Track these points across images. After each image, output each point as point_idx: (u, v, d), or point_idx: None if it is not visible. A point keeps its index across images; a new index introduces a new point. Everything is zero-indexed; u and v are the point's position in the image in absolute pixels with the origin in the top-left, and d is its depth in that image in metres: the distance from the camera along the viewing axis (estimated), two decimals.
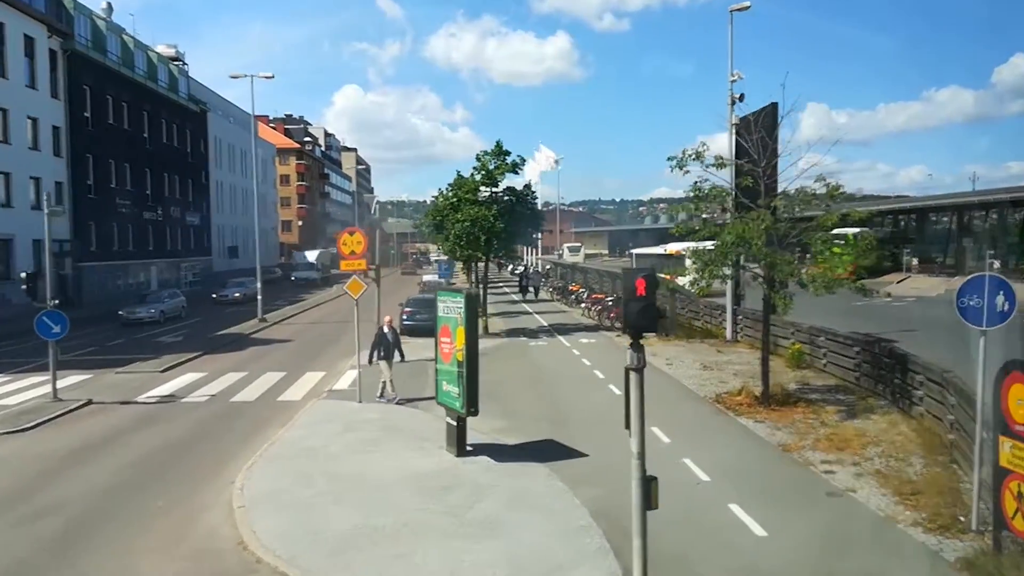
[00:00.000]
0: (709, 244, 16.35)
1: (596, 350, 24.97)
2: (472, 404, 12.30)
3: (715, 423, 15.14)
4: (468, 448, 12.91)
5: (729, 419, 15.32)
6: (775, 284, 15.74)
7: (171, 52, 63.67)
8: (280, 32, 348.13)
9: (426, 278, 43.87)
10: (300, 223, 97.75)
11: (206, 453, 13.75)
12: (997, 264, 38.93)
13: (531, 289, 45.87)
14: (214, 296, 47.75)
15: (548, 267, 69.85)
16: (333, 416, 15.93)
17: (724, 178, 16.88)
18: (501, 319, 35.40)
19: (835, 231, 53.69)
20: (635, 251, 40.70)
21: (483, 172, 27.84)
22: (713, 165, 16.47)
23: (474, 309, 12.38)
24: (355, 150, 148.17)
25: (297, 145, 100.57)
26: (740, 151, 23.22)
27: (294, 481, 11.53)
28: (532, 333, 29.59)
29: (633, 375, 7.30)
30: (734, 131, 25.77)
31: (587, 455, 13.02)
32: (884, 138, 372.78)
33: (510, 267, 78.55)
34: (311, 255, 72.66)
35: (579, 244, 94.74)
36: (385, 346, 17.23)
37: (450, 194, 28.23)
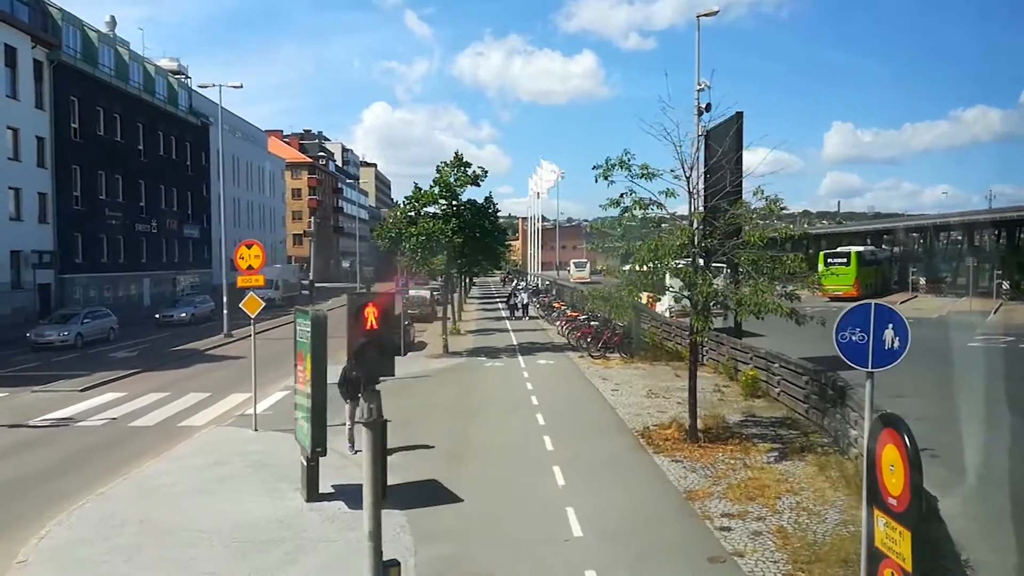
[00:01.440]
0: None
1: (546, 373, 23.43)
2: (319, 443, 10.77)
3: (626, 462, 13.44)
4: (325, 491, 11.43)
5: (645, 457, 13.61)
6: (698, 306, 14.04)
7: (173, 65, 63.39)
8: (311, 51, 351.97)
9: (412, 292, 42.35)
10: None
11: (46, 490, 12.37)
12: (1006, 285, 36.74)
13: (519, 307, 44.04)
14: (157, 317, 42.17)
15: (547, 284, 68.08)
16: (214, 447, 14.54)
17: (650, 190, 15.17)
18: (474, 336, 34.02)
19: (839, 250, 51.47)
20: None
21: (442, 184, 26.43)
22: (641, 176, 14.82)
23: (322, 335, 10.88)
24: (374, 165, 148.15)
25: (310, 159, 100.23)
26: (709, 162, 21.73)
27: (101, 530, 10.10)
28: (495, 353, 28.05)
29: (368, 432, 5.74)
30: (702, 142, 24.34)
31: (462, 500, 11.45)
32: (910, 157, 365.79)
33: (514, 283, 77.03)
34: (271, 271, 59.76)
35: (586, 260, 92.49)
36: (351, 384, 13.05)
37: (407, 207, 26.86)
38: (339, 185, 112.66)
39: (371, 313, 5.52)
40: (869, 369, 7.42)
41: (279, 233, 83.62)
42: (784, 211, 15.62)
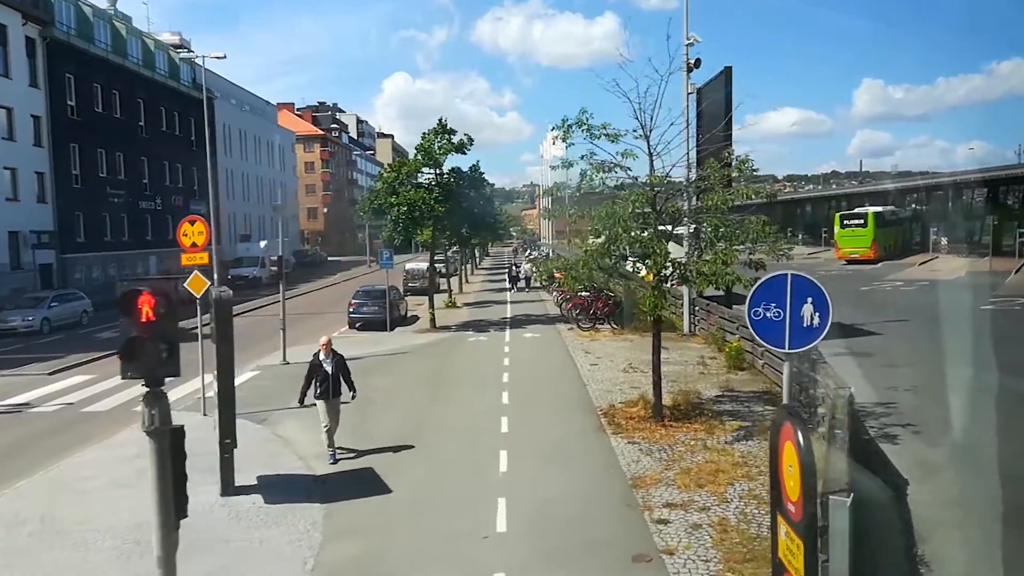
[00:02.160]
0: None
1: (528, 347, 22.62)
2: (227, 434, 10.03)
3: (579, 445, 12.58)
4: (246, 484, 10.71)
5: (601, 440, 12.73)
6: (660, 277, 13.05)
7: (175, 39, 62.62)
8: (329, 23, 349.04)
9: (409, 266, 41.43)
10: (325, 210, 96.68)
11: None
12: None
13: (522, 279, 42.91)
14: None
15: (556, 254, 66.74)
16: None
17: (610, 150, 14.08)
18: (470, 309, 33.24)
19: (856, 211, 49.57)
20: None
21: (424, 152, 25.44)
22: (605, 136, 13.74)
23: (226, 317, 10.09)
24: (391, 136, 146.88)
25: (322, 132, 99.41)
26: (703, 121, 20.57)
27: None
28: (484, 327, 27.26)
29: (152, 443, 4.91)
30: (693, 100, 23.07)
31: (391, 492, 10.67)
32: (942, 113, 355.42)
33: (527, 253, 75.89)
34: (256, 248, 54.14)
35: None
36: (322, 379, 12.12)
37: (389, 176, 25.94)
38: (353, 157, 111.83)
39: (146, 303, 4.65)
40: (785, 350, 6.42)
41: (291, 207, 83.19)
42: (756, 173, 14.44)
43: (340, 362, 12.48)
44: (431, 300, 28.10)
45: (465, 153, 25.86)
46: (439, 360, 20.73)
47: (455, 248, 41.89)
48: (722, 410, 14.04)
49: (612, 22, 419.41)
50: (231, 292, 11.27)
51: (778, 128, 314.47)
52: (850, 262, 49.31)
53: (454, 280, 42.52)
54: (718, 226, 12.78)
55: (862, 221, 49.40)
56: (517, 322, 28.02)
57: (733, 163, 13.50)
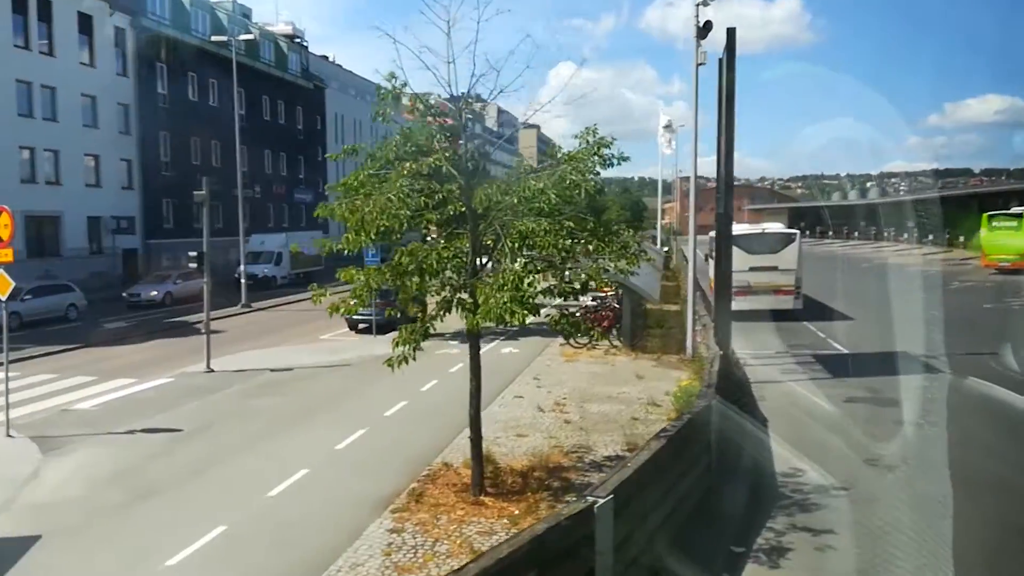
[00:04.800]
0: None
1: (485, 364, 19.05)
2: None
3: (324, 534, 9.21)
4: None
5: (362, 520, 9.34)
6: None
7: (288, 30, 63.25)
8: (498, 14, 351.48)
9: None
10: None
11: None
12: None
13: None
14: (125, 295, 34.10)
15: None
16: None
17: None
18: None
19: (1011, 211, 41.26)
20: (735, 228, 31.84)
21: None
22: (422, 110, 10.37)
23: None
24: (537, 127, 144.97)
25: (451, 121, 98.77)
26: None
27: None
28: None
29: None
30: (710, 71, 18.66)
31: None
32: None
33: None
34: (273, 241, 46.08)
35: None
36: None
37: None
38: (487, 147, 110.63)
39: None
40: None
41: None
42: (625, 157, 10.32)
43: None
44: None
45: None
46: (362, 379, 17.74)
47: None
48: (579, 483, 10.20)
49: (794, 3, 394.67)
50: None
51: (980, 117, 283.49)
52: (999, 271, 41.37)
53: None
54: (527, 233, 8.98)
55: (1015, 224, 41.24)
56: (515, 332, 24.51)
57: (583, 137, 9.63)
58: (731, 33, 16.87)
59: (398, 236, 9.65)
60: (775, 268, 25.90)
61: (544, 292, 9.50)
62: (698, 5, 18.18)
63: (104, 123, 41.26)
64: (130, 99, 43.09)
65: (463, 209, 9.60)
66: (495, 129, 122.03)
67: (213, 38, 43.01)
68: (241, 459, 11.94)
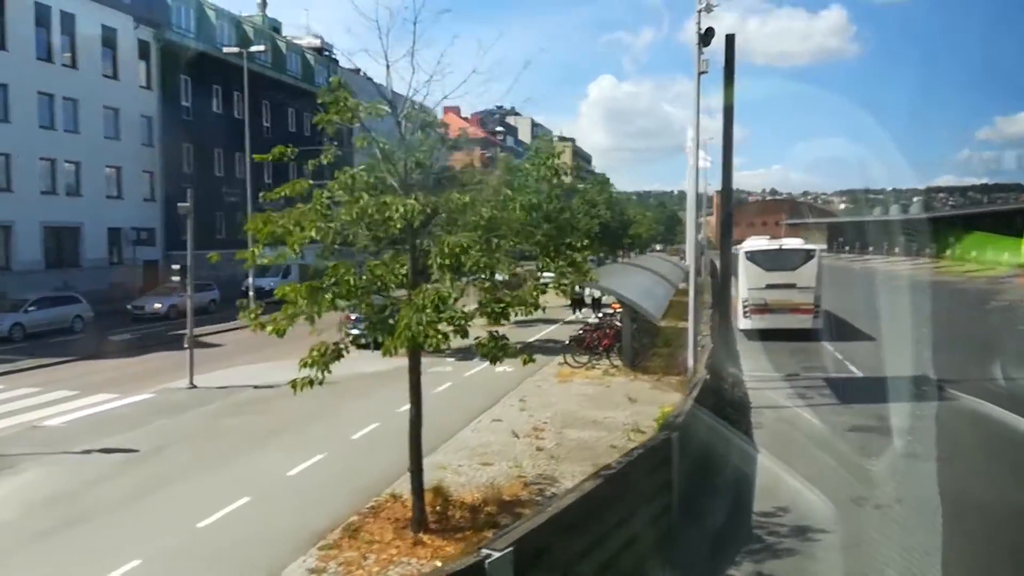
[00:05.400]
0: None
1: (472, 386, 18.39)
2: None
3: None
4: None
5: (278, 561, 8.56)
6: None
7: (316, 43, 63.54)
8: (539, 26, 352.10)
9: None
10: None
11: None
12: None
13: (589, 301, 32.94)
14: (129, 308, 33.60)
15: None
16: None
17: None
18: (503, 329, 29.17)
19: None
20: (751, 244, 30.63)
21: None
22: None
23: None
24: (572, 140, 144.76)
25: (482, 134, 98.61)
26: None
27: None
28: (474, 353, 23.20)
29: None
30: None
31: None
32: None
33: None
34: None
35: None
36: None
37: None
38: (516, 161, 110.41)
39: None
40: None
41: None
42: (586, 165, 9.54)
43: None
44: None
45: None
46: (345, 398, 16.98)
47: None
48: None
49: (838, 15, 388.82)
50: None
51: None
52: None
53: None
54: (453, 252, 8.20)
55: None
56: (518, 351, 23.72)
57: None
58: (730, 40, 16.04)
59: (332, 251, 8.96)
60: (793, 286, 24.77)
61: (477, 313, 8.73)
62: (700, 11, 17.27)
63: (126, 135, 41.50)
64: (153, 111, 43.33)
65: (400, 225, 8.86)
66: (527, 142, 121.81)
67: (237, 50, 43.13)
68: (186, 484, 11.31)
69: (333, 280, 8.36)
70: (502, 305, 8.70)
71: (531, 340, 25.94)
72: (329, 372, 8.45)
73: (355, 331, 24.73)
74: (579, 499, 6.87)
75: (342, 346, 8.71)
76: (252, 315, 8.88)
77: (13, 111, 34.87)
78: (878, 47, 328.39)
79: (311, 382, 8.42)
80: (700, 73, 17.71)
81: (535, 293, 8.84)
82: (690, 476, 9.67)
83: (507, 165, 21.11)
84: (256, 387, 18.30)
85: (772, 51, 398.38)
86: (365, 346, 23.65)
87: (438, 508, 9.76)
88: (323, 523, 9.50)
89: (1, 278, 33.18)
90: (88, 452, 12.84)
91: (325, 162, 9.51)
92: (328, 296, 8.37)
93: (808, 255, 25.40)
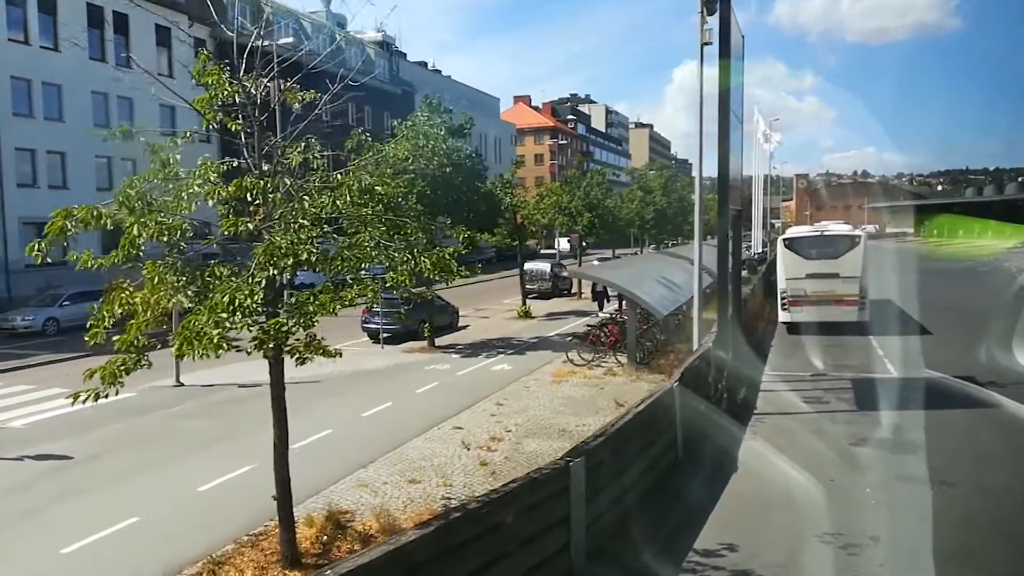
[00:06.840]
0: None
1: (457, 388, 17.27)
2: None
3: None
4: None
5: None
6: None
7: (378, 37, 63.53)
8: (618, 13, 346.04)
9: (528, 266, 35.93)
10: None
11: None
12: None
13: (609, 297, 29.87)
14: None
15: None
16: None
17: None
18: (528, 323, 28.36)
19: None
20: (792, 231, 28.22)
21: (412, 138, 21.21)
22: None
23: None
24: (649, 126, 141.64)
25: (551, 123, 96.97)
26: None
27: None
28: (486, 348, 22.40)
29: None
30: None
31: None
32: None
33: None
34: None
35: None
36: None
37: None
38: (588, 148, 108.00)
39: None
40: None
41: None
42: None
43: None
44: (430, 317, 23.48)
45: (464, 136, 21.26)
46: (316, 400, 16.20)
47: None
48: None
49: None
50: None
51: None
52: None
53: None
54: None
55: None
56: (531, 345, 22.58)
57: None
58: (725, 9, 14.27)
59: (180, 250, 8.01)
60: (836, 275, 22.58)
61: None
62: None
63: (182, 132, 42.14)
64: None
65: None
66: (602, 130, 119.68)
67: (291, 42, 43.36)
68: (90, 499, 10.71)
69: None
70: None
71: (550, 335, 24.70)
72: (122, 385, 7.38)
73: (367, 325, 24.31)
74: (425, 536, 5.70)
75: (140, 358, 7.54)
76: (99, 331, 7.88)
77: (67, 110, 35.84)
78: (980, 21, 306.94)
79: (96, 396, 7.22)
80: (704, 44, 16.06)
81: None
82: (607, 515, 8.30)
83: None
84: (241, 386, 17.74)
85: (868, 28, 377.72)
86: (388, 340, 23.18)
87: (324, 538, 8.72)
88: (192, 553, 8.62)
89: (59, 276, 34.11)
90: (21, 459, 12.43)
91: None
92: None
93: (853, 241, 23.10)
